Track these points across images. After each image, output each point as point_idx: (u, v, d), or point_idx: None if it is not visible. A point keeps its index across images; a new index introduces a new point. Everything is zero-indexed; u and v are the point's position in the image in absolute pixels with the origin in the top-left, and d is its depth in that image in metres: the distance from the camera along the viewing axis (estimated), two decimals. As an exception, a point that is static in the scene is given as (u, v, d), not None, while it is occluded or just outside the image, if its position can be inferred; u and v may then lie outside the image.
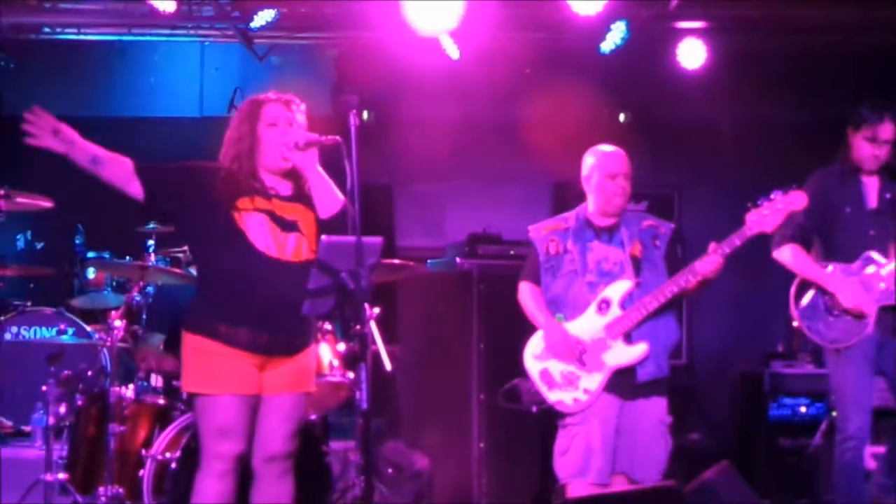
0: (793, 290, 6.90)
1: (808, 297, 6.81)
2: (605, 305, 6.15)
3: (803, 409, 8.96)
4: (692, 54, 9.74)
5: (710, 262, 5.97)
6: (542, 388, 6.25)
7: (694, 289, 6.11)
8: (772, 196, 5.96)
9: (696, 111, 10.56)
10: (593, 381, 6.12)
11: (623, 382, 6.12)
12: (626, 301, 6.13)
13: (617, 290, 6.14)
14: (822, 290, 6.76)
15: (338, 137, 5.23)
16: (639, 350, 6.10)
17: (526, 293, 6.43)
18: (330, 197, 5.44)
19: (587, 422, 6.14)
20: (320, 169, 5.44)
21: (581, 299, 6.22)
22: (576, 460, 6.15)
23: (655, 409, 6.21)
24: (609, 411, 6.13)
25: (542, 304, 6.34)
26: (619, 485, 6.15)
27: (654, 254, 6.24)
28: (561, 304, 6.28)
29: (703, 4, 9.66)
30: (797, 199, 5.96)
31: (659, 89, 10.35)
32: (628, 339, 6.13)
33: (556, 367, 6.21)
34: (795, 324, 6.93)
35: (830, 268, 6.75)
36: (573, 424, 6.18)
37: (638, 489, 5.95)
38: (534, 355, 6.30)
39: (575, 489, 6.14)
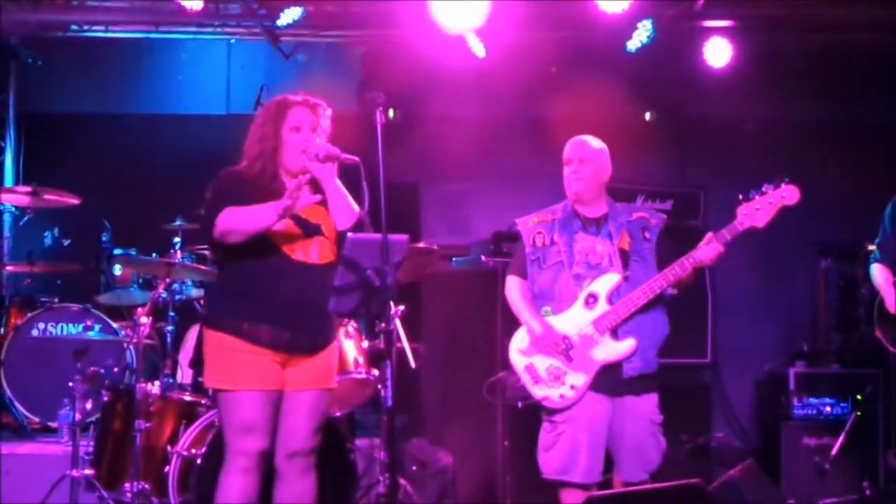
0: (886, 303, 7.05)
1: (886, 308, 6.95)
2: (592, 300, 6.07)
3: (828, 409, 8.94)
4: (718, 53, 9.71)
5: (711, 250, 5.88)
6: (528, 384, 6.18)
7: (688, 278, 6.03)
8: (763, 189, 5.86)
9: (722, 110, 10.53)
10: (580, 378, 6.06)
11: (610, 378, 6.06)
12: (614, 295, 6.06)
13: (604, 283, 6.07)
14: None
15: (356, 158, 5.28)
16: (626, 346, 6.03)
17: (512, 287, 6.36)
18: (346, 210, 5.46)
19: (575, 420, 6.08)
20: (338, 181, 5.47)
21: (567, 292, 6.15)
22: (561, 458, 6.11)
23: (644, 407, 6.13)
24: (598, 409, 6.07)
25: (528, 298, 6.28)
26: (616, 486, 6.14)
27: (644, 246, 6.17)
28: (547, 297, 6.21)
29: (729, 3, 9.63)
30: (789, 194, 5.84)
31: (685, 88, 10.32)
32: (615, 334, 6.06)
33: (542, 363, 6.14)
34: (877, 333, 7.04)
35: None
36: (560, 421, 6.12)
37: (662, 487, 5.92)
38: (519, 350, 6.24)
39: (569, 494, 6.12)
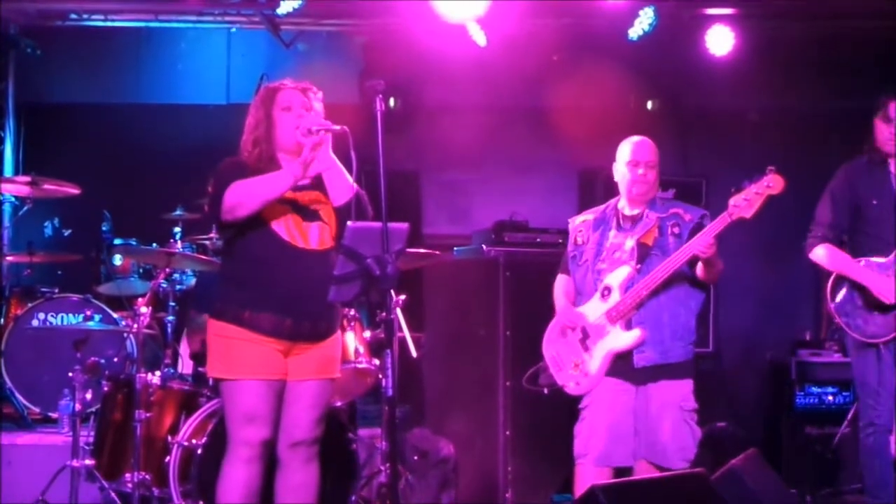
0: (828, 286, 6.82)
1: (843, 292, 6.73)
2: (607, 292, 6.22)
3: (830, 398, 8.93)
4: (720, 41, 9.68)
5: (702, 241, 5.93)
6: (554, 371, 6.39)
7: (704, 272, 6.10)
8: (754, 179, 5.87)
9: (725, 98, 10.51)
10: (592, 365, 6.22)
11: (626, 367, 6.17)
12: (628, 287, 6.16)
13: (617, 276, 6.20)
14: (856, 286, 6.67)
15: (345, 127, 5.27)
16: (632, 336, 6.13)
17: (557, 284, 6.56)
18: (342, 184, 5.44)
19: (595, 405, 6.23)
20: (333, 155, 5.44)
21: (590, 286, 6.32)
22: (582, 442, 6.25)
23: (670, 394, 6.20)
24: (619, 395, 6.18)
25: (570, 292, 6.47)
26: (642, 469, 6.18)
27: (669, 241, 6.21)
28: (580, 292, 6.40)
29: (731, -9, 9.63)
30: (775, 184, 5.83)
31: (687, 76, 10.30)
32: (628, 324, 6.17)
33: (564, 352, 6.35)
34: (835, 320, 6.86)
35: (863, 263, 6.68)
36: (584, 407, 6.28)
37: (664, 476, 5.92)
38: (547, 340, 6.47)
39: (582, 471, 6.23)
